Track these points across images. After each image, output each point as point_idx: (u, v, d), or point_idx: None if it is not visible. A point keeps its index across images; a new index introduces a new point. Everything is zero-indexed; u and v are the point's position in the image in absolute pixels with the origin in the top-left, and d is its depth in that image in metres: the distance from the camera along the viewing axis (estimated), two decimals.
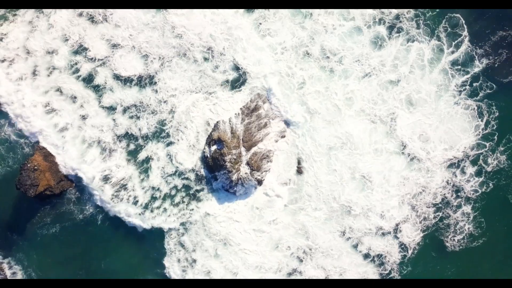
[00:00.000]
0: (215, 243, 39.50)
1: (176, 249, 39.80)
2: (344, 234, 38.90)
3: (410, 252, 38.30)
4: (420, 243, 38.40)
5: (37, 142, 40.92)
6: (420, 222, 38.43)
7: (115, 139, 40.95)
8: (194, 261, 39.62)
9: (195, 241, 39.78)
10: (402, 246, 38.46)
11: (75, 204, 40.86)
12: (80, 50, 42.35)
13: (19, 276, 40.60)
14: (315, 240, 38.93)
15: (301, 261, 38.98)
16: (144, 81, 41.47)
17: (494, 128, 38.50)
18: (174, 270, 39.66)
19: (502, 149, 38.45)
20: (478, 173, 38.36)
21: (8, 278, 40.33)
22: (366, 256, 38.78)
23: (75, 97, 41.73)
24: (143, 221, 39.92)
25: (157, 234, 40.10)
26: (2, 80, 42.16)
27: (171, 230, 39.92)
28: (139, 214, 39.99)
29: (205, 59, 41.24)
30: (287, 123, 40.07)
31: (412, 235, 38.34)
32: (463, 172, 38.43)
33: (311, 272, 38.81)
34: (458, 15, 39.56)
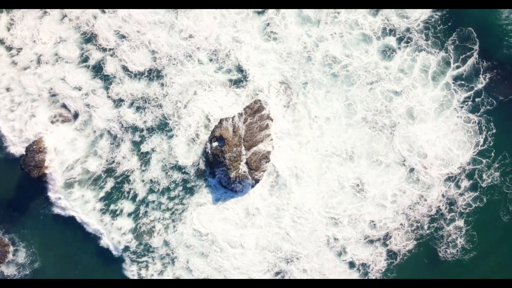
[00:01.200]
0: (202, 241, 40.20)
1: (163, 244, 40.81)
2: (329, 243, 39.30)
3: (398, 258, 38.46)
4: (413, 250, 38.51)
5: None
6: (413, 231, 38.59)
7: (122, 130, 41.96)
8: (175, 258, 40.45)
9: (180, 239, 40.53)
10: (390, 253, 38.63)
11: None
12: (90, 39, 43.40)
13: (22, 253, 42.01)
14: (299, 246, 39.50)
15: (288, 263, 39.47)
16: (151, 75, 42.41)
17: (491, 144, 38.54)
18: (155, 267, 40.80)
19: (496, 165, 38.46)
20: (473, 188, 38.45)
21: (11, 253, 41.86)
22: (351, 264, 39.10)
23: (81, 88, 42.94)
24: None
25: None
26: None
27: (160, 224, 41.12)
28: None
29: (210, 60, 42.16)
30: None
31: (404, 243, 38.50)
32: (457, 186, 38.58)
33: (296, 274, 39.24)
34: (470, 28, 39.63)
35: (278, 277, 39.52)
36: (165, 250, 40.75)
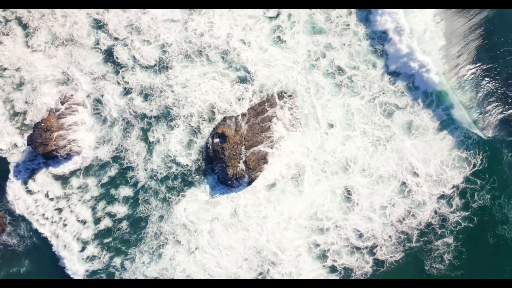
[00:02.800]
0: (190, 236, 41.02)
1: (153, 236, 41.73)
2: (314, 248, 39.84)
3: (385, 266, 38.74)
4: (400, 261, 38.80)
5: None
6: (401, 243, 39.00)
7: (131, 118, 43.18)
8: (162, 253, 41.25)
9: (169, 230, 41.37)
10: (377, 262, 38.95)
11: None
12: (101, 26, 44.78)
13: (21, 224, 43.47)
14: (283, 249, 40.09)
15: (270, 264, 40.01)
16: (159, 66, 43.55)
17: (486, 166, 38.92)
18: (142, 258, 41.66)
19: (488, 187, 38.75)
20: (464, 207, 38.79)
21: (8, 225, 43.25)
22: (333, 269, 39.64)
23: (92, 72, 44.19)
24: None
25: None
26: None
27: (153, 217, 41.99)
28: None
29: (220, 58, 43.19)
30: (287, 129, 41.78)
31: (391, 254, 38.89)
32: (449, 204, 38.98)
33: (276, 277, 39.72)
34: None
35: (260, 277, 40.10)
36: (155, 243, 41.57)
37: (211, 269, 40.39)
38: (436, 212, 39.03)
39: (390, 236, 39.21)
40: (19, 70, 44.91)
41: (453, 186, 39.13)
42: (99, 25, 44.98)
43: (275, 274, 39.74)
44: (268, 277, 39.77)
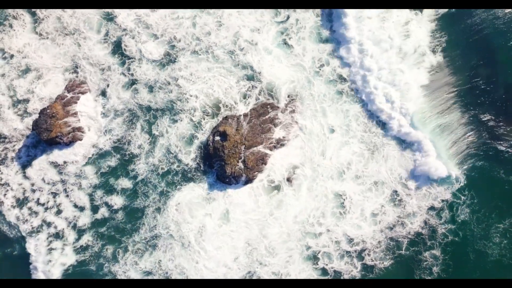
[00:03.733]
0: (183, 230, 41.55)
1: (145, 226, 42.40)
2: (307, 249, 40.47)
3: (374, 272, 39.25)
4: (390, 267, 39.25)
5: None
6: (390, 250, 39.59)
7: (136, 110, 44.05)
8: (156, 246, 41.85)
9: (164, 223, 41.94)
10: (366, 267, 39.50)
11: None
12: (112, 18, 45.90)
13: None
14: (275, 250, 40.70)
15: (260, 265, 40.54)
16: (165, 60, 44.56)
17: (466, 183, 39.59)
18: (134, 248, 42.20)
19: (469, 202, 39.41)
20: (452, 221, 39.44)
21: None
22: (324, 271, 40.11)
23: (99, 62, 45.21)
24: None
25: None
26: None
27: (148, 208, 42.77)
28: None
29: (227, 56, 44.25)
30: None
31: (379, 260, 39.50)
32: (439, 216, 39.66)
33: (265, 277, 40.22)
34: None
35: (248, 276, 40.60)
36: (149, 235, 42.11)
37: (201, 266, 40.90)
38: (426, 223, 39.76)
39: (379, 242, 39.88)
40: (26, 57, 45.75)
41: (442, 200, 39.90)
42: (109, 17, 45.98)
43: (264, 274, 40.30)
44: (255, 277, 40.34)
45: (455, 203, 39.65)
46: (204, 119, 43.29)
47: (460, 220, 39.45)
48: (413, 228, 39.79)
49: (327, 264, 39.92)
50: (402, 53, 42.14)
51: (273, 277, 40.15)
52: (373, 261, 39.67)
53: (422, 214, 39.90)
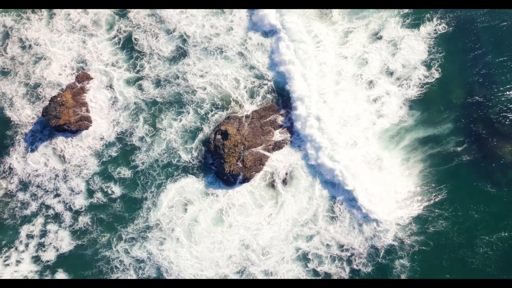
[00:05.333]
0: (176, 224, 42.75)
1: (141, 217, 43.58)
2: (297, 251, 41.46)
3: (360, 277, 40.16)
4: (371, 273, 40.20)
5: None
6: (370, 259, 40.53)
7: (143, 103, 45.48)
8: (147, 238, 43.04)
9: (159, 216, 43.14)
10: (353, 270, 40.45)
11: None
12: (124, 14, 47.45)
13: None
14: (267, 249, 41.66)
15: (252, 264, 41.57)
16: (175, 54, 46.06)
17: (445, 197, 40.89)
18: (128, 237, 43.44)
19: (446, 215, 40.54)
20: (421, 232, 40.54)
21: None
22: (315, 272, 40.98)
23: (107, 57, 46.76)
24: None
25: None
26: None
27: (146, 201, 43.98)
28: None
29: (237, 55, 45.71)
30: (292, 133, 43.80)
31: (363, 266, 40.43)
32: (408, 229, 40.66)
33: (259, 276, 41.25)
34: None
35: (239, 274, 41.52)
36: (142, 226, 43.33)
37: (192, 262, 41.99)
38: (396, 237, 40.73)
39: (363, 250, 40.81)
40: (40, 47, 47.17)
41: (411, 215, 41.05)
42: (122, 13, 47.38)
43: (257, 273, 41.30)
44: (245, 275, 41.31)
45: (426, 216, 40.79)
46: (212, 110, 44.56)
47: (433, 231, 40.54)
48: (386, 242, 40.69)
49: (317, 266, 40.90)
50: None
51: (263, 275, 41.14)
52: (358, 266, 40.62)
53: (393, 226, 40.96)
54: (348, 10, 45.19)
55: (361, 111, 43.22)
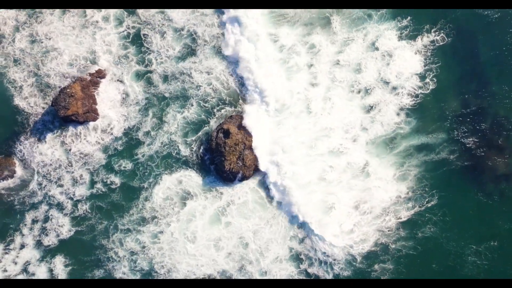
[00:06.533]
0: (171, 218, 43.93)
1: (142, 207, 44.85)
2: (291, 251, 42.51)
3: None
4: (351, 276, 40.97)
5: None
6: (347, 264, 41.52)
7: (150, 97, 46.67)
8: (141, 231, 44.28)
9: (155, 208, 44.46)
10: (336, 273, 41.45)
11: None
12: (134, 11, 48.37)
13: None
14: (263, 249, 42.71)
15: (250, 263, 42.61)
16: (184, 50, 47.04)
17: (436, 203, 41.54)
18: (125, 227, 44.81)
19: (435, 219, 41.22)
20: (410, 237, 41.35)
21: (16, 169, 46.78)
22: (307, 273, 41.95)
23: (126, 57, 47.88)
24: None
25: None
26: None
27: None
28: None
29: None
30: None
31: (342, 270, 41.43)
32: (396, 234, 41.50)
33: (256, 276, 42.27)
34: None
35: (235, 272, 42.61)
36: (136, 217, 44.63)
37: (188, 258, 43.17)
38: (377, 243, 41.59)
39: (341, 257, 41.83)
40: (51, 40, 48.33)
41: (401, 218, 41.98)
42: (130, 10, 48.16)
43: (254, 272, 42.40)
44: (241, 274, 42.35)
45: (426, 220, 41.56)
46: (218, 105, 45.64)
47: (421, 236, 41.31)
48: (365, 248, 41.64)
49: (308, 267, 41.96)
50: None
51: (258, 275, 42.28)
52: (339, 270, 41.54)
53: (374, 232, 41.92)
54: (349, 21, 45.68)
55: (354, 118, 44.10)
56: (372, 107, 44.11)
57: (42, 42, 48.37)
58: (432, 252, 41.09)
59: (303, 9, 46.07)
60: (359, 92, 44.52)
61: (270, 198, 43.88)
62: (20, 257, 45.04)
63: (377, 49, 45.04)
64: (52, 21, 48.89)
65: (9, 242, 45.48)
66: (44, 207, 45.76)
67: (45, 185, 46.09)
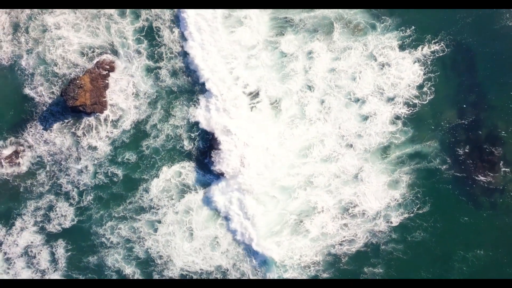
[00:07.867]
0: (168, 210, 45.20)
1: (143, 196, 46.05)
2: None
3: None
4: (340, 277, 41.97)
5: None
6: (333, 265, 42.57)
7: (159, 91, 47.62)
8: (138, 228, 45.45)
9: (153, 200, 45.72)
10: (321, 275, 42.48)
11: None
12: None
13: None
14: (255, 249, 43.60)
15: (233, 266, 43.80)
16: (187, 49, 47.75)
17: (428, 210, 42.40)
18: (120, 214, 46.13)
19: (425, 225, 42.12)
20: (401, 241, 42.21)
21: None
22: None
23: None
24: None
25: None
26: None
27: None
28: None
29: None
30: None
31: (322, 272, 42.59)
32: (387, 237, 42.43)
33: (250, 272, 43.32)
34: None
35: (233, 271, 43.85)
36: (132, 206, 45.98)
37: (178, 251, 44.47)
38: (367, 244, 42.51)
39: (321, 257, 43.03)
40: (61, 30, 49.22)
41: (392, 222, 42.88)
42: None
43: (247, 271, 43.56)
44: (233, 273, 43.59)
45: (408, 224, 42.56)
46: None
47: (411, 240, 42.19)
48: (355, 247, 42.66)
49: (287, 270, 43.08)
50: None
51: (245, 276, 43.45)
52: (324, 273, 42.61)
53: (365, 234, 42.95)
54: (349, 30, 46.14)
55: (351, 125, 44.98)
56: (367, 117, 44.68)
57: (52, 32, 49.24)
58: (421, 256, 41.99)
59: (308, 15, 47.03)
60: (357, 101, 45.10)
61: None
62: (22, 238, 46.28)
63: (375, 59, 45.56)
64: (64, 11, 49.67)
65: (11, 225, 46.79)
66: (49, 195, 47.07)
67: (52, 174, 47.28)
